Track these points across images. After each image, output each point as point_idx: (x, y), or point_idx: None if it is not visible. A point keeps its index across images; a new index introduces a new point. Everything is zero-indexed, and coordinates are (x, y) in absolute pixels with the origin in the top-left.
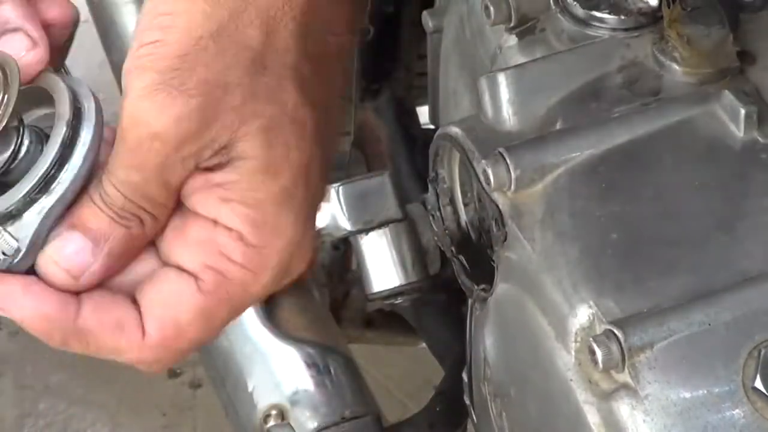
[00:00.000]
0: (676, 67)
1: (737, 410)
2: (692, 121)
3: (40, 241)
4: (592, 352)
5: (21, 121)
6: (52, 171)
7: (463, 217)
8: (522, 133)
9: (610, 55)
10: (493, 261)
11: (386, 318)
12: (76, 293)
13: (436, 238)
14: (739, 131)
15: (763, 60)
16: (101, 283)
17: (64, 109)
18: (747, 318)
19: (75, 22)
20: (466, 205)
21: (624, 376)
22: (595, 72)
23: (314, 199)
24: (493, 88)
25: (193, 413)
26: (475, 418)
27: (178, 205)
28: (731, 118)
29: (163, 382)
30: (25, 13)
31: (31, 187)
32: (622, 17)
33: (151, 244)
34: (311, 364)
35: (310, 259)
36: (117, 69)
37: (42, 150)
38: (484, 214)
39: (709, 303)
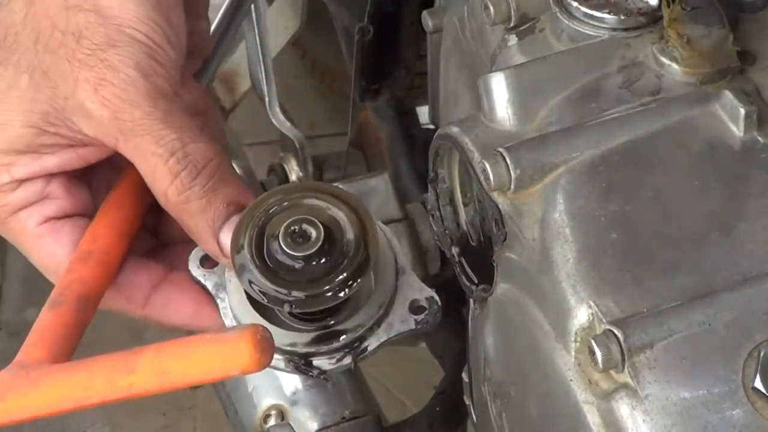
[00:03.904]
0: (676, 67)
1: (737, 410)
2: (692, 121)
3: None
4: (592, 352)
5: None
6: None
7: (463, 217)
8: (522, 133)
9: (610, 55)
10: (493, 261)
11: None
12: None
13: (436, 238)
14: (739, 131)
15: (763, 60)
16: None
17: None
18: (747, 318)
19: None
20: (465, 205)
21: (624, 376)
22: (595, 72)
23: None
24: (493, 87)
25: (193, 413)
26: (475, 418)
27: None
28: (731, 118)
29: None
30: None
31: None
32: (622, 17)
33: None
34: None
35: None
36: None
37: None
38: (484, 214)
39: (709, 303)
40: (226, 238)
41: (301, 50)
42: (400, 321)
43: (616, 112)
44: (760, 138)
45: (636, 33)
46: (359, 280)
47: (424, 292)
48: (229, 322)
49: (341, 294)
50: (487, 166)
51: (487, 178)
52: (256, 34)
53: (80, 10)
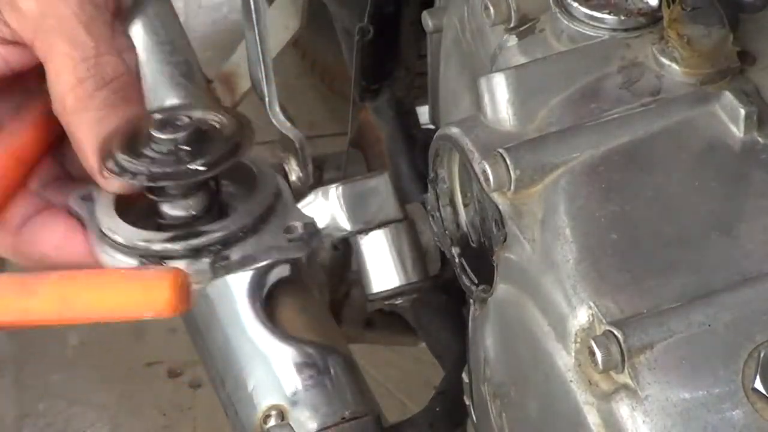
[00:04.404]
0: (676, 67)
1: (737, 411)
2: (692, 122)
3: None
4: (592, 353)
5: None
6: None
7: (463, 218)
8: (522, 133)
9: (610, 55)
10: (493, 261)
11: (386, 318)
12: None
13: (436, 238)
14: (739, 131)
15: (763, 60)
16: None
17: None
18: (747, 318)
19: None
20: (465, 205)
21: (624, 377)
22: (595, 72)
23: None
24: (493, 88)
25: (193, 413)
26: (475, 418)
27: None
28: (731, 118)
29: (163, 382)
30: None
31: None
32: (622, 17)
33: None
34: (311, 364)
35: None
36: None
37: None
38: (484, 214)
39: (709, 303)
40: None
41: (301, 50)
42: (272, 238)
43: (616, 113)
44: (760, 138)
45: (636, 33)
46: (226, 162)
47: (303, 219)
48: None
49: (204, 170)
50: (487, 166)
51: (487, 179)
52: (256, 34)
53: None
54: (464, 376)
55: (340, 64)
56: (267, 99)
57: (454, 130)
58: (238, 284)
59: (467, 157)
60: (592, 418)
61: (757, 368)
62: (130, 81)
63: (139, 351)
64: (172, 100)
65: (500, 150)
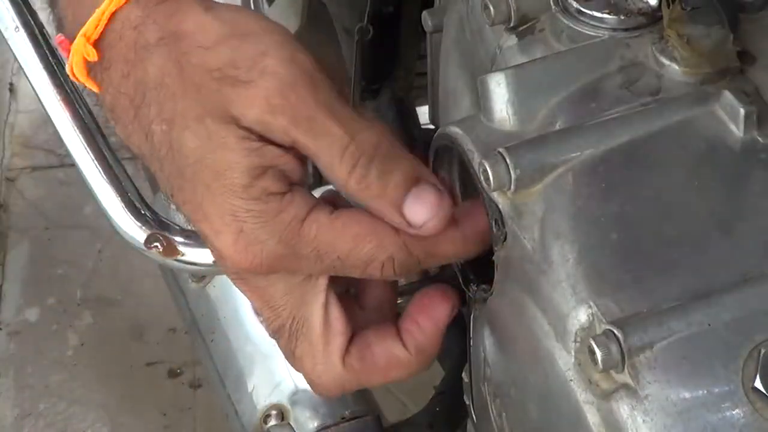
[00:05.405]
0: (676, 67)
1: (737, 410)
2: (692, 121)
3: None
4: (592, 352)
5: None
6: None
7: None
8: (522, 133)
9: (610, 55)
10: (494, 261)
11: None
12: None
13: None
14: (739, 131)
15: (763, 60)
16: None
17: None
18: (747, 318)
19: None
20: None
21: (624, 376)
22: (595, 72)
23: None
24: (493, 88)
25: (193, 413)
26: (475, 418)
27: None
28: (731, 118)
29: (163, 382)
30: None
31: None
32: (622, 17)
33: None
34: None
35: None
36: None
37: None
38: None
39: (709, 303)
40: (409, 210)
41: None
42: None
43: (616, 112)
44: (760, 138)
45: (636, 33)
46: None
47: None
48: None
49: None
50: (487, 166)
51: (487, 179)
52: None
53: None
54: (464, 376)
55: (340, 64)
56: None
57: (454, 130)
58: None
59: (467, 156)
60: (592, 417)
61: (757, 367)
62: (389, 140)
63: (139, 351)
64: None
65: (500, 150)
